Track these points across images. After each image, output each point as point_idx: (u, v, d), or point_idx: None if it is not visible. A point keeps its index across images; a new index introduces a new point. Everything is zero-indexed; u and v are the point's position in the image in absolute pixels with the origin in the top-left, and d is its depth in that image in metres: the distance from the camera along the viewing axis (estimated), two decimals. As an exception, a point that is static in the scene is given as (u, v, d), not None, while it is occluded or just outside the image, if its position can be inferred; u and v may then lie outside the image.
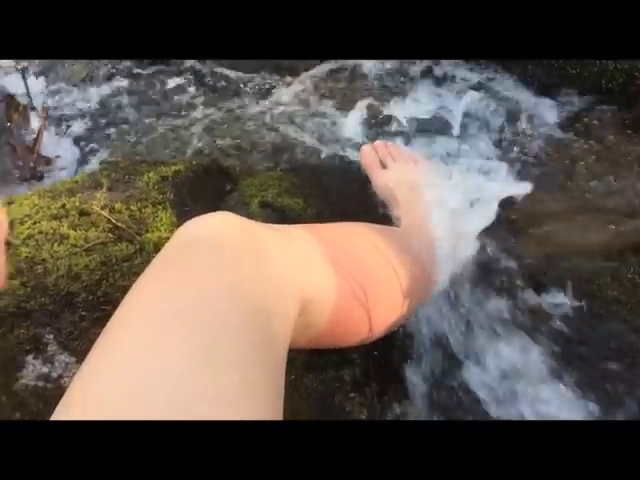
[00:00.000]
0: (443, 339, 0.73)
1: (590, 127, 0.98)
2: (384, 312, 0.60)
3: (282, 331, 0.44)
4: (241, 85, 1.19)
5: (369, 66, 1.15)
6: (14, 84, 1.27)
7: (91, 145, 1.11)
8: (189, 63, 1.30)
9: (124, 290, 0.62)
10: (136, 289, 0.44)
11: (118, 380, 0.35)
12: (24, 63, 1.30)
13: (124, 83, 1.29)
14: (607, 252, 0.78)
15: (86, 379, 0.37)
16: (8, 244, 0.63)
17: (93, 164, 1.06)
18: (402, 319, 0.64)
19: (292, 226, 0.58)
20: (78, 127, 1.18)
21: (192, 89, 1.24)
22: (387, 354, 0.71)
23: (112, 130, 1.14)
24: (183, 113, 1.16)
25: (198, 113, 1.14)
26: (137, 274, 0.64)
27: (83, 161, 1.09)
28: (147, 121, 1.15)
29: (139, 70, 1.32)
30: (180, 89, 1.25)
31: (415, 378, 0.69)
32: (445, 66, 1.14)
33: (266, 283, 0.45)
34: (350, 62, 1.14)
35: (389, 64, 1.16)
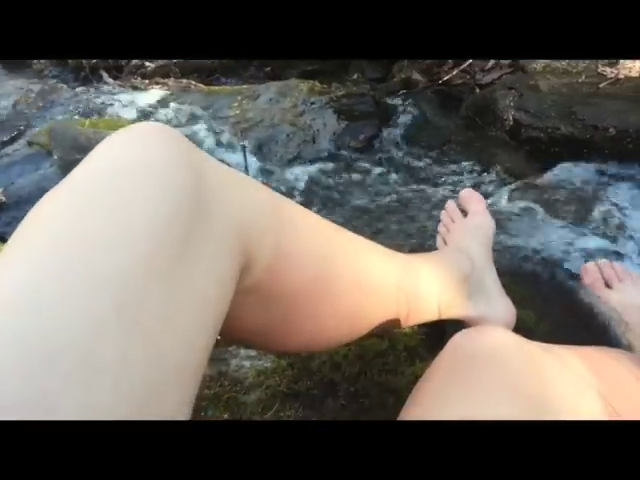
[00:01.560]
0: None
1: None
2: None
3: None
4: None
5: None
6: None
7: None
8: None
9: (381, 386, 0.67)
10: (420, 395, 0.46)
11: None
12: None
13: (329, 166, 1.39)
14: None
15: None
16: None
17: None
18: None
19: (556, 346, 0.58)
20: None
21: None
22: None
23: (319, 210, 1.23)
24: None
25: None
26: (391, 372, 0.68)
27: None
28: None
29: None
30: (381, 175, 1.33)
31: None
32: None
33: (544, 405, 0.45)
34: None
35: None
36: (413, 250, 0.98)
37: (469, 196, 0.89)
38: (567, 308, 0.91)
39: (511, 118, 1.24)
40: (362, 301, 0.60)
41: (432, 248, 0.91)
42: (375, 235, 1.11)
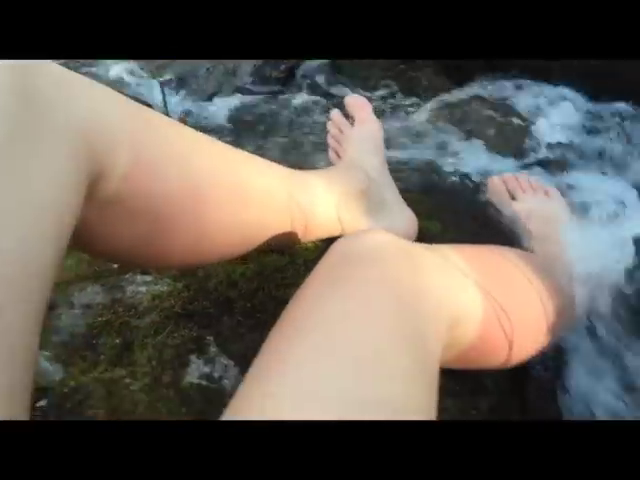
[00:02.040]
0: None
1: None
2: (525, 339, 0.60)
3: (436, 346, 0.46)
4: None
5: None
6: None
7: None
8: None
9: (277, 300, 0.66)
10: (301, 299, 0.46)
11: (290, 380, 0.37)
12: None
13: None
14: None
15: (261, 379, 0.39)
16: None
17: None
18: (542, 348, 0.64)
19: (441, 246, 0.59)
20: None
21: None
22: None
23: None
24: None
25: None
26: (290, 285, 0.68)
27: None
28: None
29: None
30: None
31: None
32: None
33: (423, 298, 0.46)
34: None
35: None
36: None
37: (354, 102, 0.87)
38: (475, 219, 0.92)
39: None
40: (248, 211, 0.59)
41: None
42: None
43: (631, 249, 0.83)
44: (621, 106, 1.09)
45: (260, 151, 1.13)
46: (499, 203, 0.93)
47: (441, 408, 0.43)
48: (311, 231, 0.67)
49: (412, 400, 0.39)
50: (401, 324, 0.42)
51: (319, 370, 0.37)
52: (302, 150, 1.14)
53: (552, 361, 0.74)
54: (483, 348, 0.57)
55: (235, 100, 1.34)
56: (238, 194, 0.57)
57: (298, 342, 0.40)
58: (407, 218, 0.77)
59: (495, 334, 0.57)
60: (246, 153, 0.61)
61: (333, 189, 0.70)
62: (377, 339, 0.40)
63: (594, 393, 0.71)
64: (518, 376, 0.72)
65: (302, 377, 0.37)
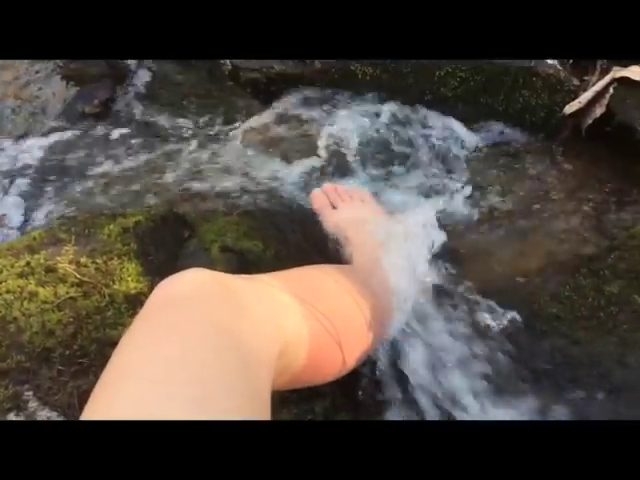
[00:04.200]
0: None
1: (520, 157, 1.08)
2: (354, 345, 0.64)
3: (266, 377, 0.47)
4: (188, 130, 1.23)
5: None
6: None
7: (35, 201, 1.11)
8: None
9: (99, 342, 0.65)
10: (123, 350, 0.45)
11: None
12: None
13: (66, 135, 1.30)
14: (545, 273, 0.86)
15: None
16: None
17: (40, 220, 1.07)
18: (369, 351, 0.69)
19: (261, 275, 0.61)
20: (20, 182, 1.18)
21: (135, 137, 1.26)
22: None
23: (56, 184, 1.14)
24: (130, 161, 1.18)
25: (144, 160, 1.17)
26: (110, 325, 0.67)
27: (28, 218, 1.09)
28: (93, 172, 1.16)
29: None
30: (123, 138, 1.27)
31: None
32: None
33: (248, 332, 0.47)
34: (297, 112, 1.19)
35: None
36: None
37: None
38: (302, 235, 0.96)
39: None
40: None
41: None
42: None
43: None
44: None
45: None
46: (322, 215, 0.99)
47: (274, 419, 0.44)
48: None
49: None
50: (226, 364, 0.43)
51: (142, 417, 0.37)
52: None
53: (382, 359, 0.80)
54: (318, 363, 0.60)
55: (48, 139, 1.28)
56: None
57: (123, 391, 0.40)
58: None
59: (327, 345, 0.60)
60: None
61: None
62: (203, 383, 0.40)
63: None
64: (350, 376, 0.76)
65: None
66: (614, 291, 0.81)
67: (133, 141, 1.25)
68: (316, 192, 1.00)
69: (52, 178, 1.16)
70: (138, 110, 1.34)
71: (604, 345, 0.76)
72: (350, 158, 1.11)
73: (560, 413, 0.70)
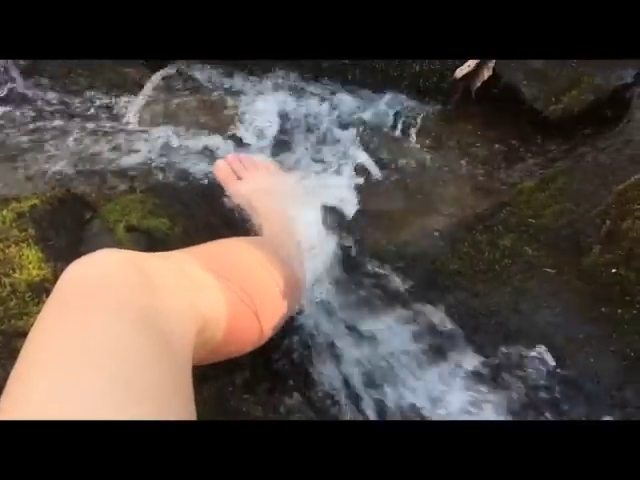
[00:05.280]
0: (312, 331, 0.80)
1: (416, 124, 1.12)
2: (270, 315, 0.65)
3: (186, 354, 0.48)
4: (79, 106, 1.17)
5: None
6: None
7: None
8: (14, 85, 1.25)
9: (4, 334, 0.62)
10: (37, 341, 0.43)
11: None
12: None
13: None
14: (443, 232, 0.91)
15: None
16: None
17: None
18: (284, 318, 0.70)
19: (174, 252, 0.60)
20: None
21: (26, 113, 1.19)
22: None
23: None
24: (15, 140, 1.11)
25: (36, 138, 1.10)
26: (15, 316, 0.64)
27: None
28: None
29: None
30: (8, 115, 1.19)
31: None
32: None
33: (163, 311, 0.47)
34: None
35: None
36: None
37: None
38: (209, 209, 0.95)
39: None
40: None
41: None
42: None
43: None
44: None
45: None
46: (227, 186, 0.98)
47: (198, 396, 0.45)
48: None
49: (173, 415, 0.40)
50: (143, 345, 0.42)
51: (62, 409, 0.36)
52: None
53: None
54: (236, 334, 0.60)
55: None
56: None
57: (36, 383, 0.38)
58: None
59: (244, 317, 0.60)
60: None
61: None
62: (121, 366, 0.40)
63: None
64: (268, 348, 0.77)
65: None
66: (507, 244, 0.87)
67: (18, 117, 1.17)
68: (219, 162, 0.99)
69: None
70: (20, 84, 1.26)
71: (500, 296, 0.82)
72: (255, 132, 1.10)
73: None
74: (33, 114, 1.18)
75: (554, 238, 0.87)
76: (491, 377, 0.75)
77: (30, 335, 0.44)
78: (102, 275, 0.47)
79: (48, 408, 0.36)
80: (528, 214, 0.91)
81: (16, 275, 0.68)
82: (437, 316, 0.81)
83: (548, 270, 0.84)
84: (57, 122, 1.14)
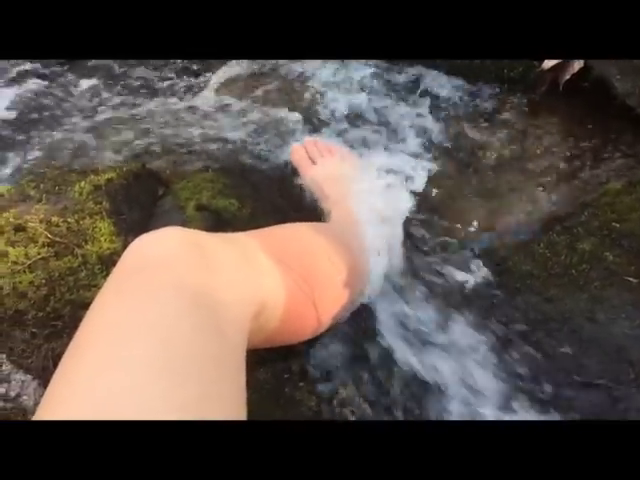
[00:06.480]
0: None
1: (497, 113, 1.07)
2: (329, 304, 0.64)
3: (240, 338, 0.47)
4: (159, 84, 1.19)
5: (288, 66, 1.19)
6: None
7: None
8: (100, 63, 1.29)
9: (73, 304, 0.64)
10: (96, 312, 0.44)
11: (84, 394, 0.36)
12: None
13: (32, 86, 1.25)
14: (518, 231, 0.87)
15: (54, 397, 0.38)
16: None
17: (5, 175, 1.03)
18: (345, 310, 0.69)
19: (237, 234, 0.60)
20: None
21: (105, 90, 1.23)
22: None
23: (22, 138, 1.11)
24: (101, 116, 1.15)
25: (117, 114, 1.13)
26: (84, 287, 0.66)
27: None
28: (64, 126, 1.12)
29: (45, 71, 1.28)
30: (92, 90, 1.23)
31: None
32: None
33: (220, 293, 0.47)
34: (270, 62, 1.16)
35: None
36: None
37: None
38: (278, 192, 0.95)
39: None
40: None
41: None
42: None
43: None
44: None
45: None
46: (300, 169, 0.98)
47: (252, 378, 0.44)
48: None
49: (218, 399, 0.40)
50: (194, 327, 0.42)
51: (114, 384, 0.37)
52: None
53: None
54: (294, 323, 0.60)
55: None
56: None
57: (91, 356, 0.39)
58: None
59: (302, 305, 0.60)
60: None
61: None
62: (175, 346, 0.40)
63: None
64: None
65: (95, 395, 0.36)
66: (586, 248, 0.82)
67: (104, 91, 1.21)
68: (296, 145, 0.99)
69: (18, 131, 1.12)
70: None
71: (575, 302, 0.78)
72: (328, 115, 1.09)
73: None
74: (119, 89, 1.21)
75: (638, 244, 0.81)
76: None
77: (91, 306, 0.45)
78: (163, 254, 0.47)
79: (95, 382, 0.37)
80: (612, 217, 0.85)
81: (88, 247, 0.70)
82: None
83: (630, 279, 0.78)
84: (140, 99, 1.17)
